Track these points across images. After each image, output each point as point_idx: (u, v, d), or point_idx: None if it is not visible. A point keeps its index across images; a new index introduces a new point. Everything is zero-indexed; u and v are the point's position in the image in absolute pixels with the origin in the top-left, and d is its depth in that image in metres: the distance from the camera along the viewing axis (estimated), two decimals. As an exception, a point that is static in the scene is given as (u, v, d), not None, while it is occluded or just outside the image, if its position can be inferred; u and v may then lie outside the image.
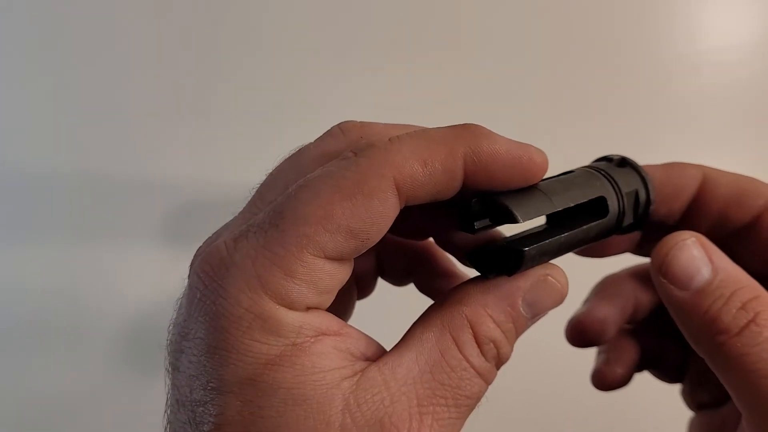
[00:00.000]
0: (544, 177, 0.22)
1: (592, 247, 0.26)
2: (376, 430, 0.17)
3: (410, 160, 0.19)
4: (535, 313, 0.21)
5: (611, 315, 0.28)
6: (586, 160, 0.26)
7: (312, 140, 0.23)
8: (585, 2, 0.58)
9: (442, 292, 0.29)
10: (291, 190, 0.19)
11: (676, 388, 0.31)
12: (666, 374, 0.31)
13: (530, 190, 0.21)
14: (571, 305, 0.28)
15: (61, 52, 0.56)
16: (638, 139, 0.56)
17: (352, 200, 0.18)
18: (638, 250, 0.29)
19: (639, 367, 0.31)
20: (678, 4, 0.58)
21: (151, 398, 0.49)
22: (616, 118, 0.57)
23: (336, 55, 0.57)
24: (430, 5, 0.57)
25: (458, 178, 0.20)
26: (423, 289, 0.30)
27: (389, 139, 0.19)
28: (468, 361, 0.19)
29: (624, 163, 0.25)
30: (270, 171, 0.23)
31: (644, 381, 0.31)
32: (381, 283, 0.30)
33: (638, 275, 0.30)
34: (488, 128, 0.20)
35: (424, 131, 0.20)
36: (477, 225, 0.21)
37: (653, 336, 0.30)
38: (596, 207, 0.23)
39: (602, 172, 0.24)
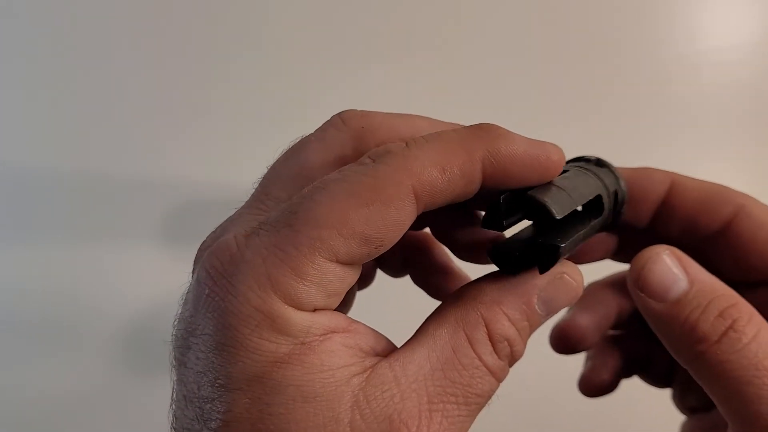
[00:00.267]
0: None
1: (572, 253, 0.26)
2: (385, 427, 0.17)
3: (429, 168, 0.19)
4: (550, 311, 0.21)
5: (592, 322, 0.29)
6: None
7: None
8: (585, 2, 0.58)
9: (437, 287, 0.30)
10: (307, 191, 0.19)
11: (669, 393, 0.31)
12: (655, 379, 0.31)
13: (548, 186, 0.21)
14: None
15: (61, 52, 0.56)
16: (638, 139, 0.56)
17: (369, 207, 0.18)
18: (616, 257, 0.30)
19: (628, 373, 0.31)
20: (678, 4, 0.58)
21: (151, 398, 0.49)
22: (616, 118, 0.57)
23: (335, 54, 0.57)
24: (430, 2, 0.57)
25: (477, 181, 0.20)
26: (418, 282, 0.30)
27: (406, 144, 0.19)
28: (481, 359, 0.19)
29: (601, 163, 0.26)
30: (272, 164, 0.23)
31: (637, 386, 0.31)
32: (379, 275, 0.30)
33: (620, 282, 0.30)
34: (504, 127, 0.20)
35: (441, 134, 0.20)
36: (506, 222, 0.21)
37: (641, 341, 0.30)
38: (592, 205, 0.23)
39: (591, 172, 0.24)
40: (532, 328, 0.21)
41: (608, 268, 0.30)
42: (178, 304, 0.20)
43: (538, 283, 0.21)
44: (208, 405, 0.18)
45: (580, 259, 0.29)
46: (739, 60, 0.57)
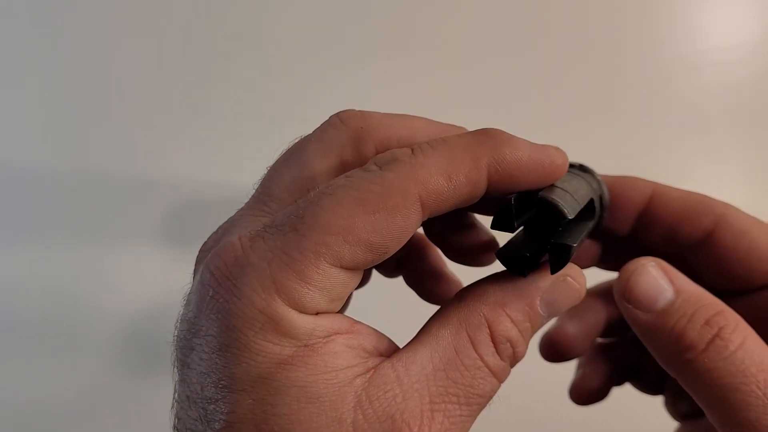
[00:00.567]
0: None
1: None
2: (387, 427, 0.17)
3: (435, 176, 0.19)
4: (552, 312, 0.21)
5: (581, 330, 0.29)
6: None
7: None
8: (585, 2, 0.58)
9: (429, 291, 0.30)
10: (313, 195, 0.19)
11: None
12: (647, 387, 0.31)
13: (554, 188, 0.21)
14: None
15: (61, 52, 0.56)
16: (638, 138, 0.56)
17: (375, 215, 0.18)
18: (601, 264, 0.30)
19: (620, 381, 0.31)
20: (678, 4, 0.58)
21: (151, 398, 0.49)
22: (616, 118, 0.57)
23: (335, 54, 0.57)
24: (430, 2, 0.57)
25: (482, 188, 0.20)
26: (411, 283, 0.30)
27: (412, 151, 0.19)
28: (483, 360, 0.19)
29: (584, 169, 0.26)
30: (272, 164, 0.23)
31: (630, 393, 0.31)
32: (375, 275, 0.30)
33: (608, 291, 0.30)
34: (507, 132, 0.20)
35: (446, 141, 0.20)
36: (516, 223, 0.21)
37: (632, 350, 0.30)
38: (585, 208, 0.24)
39: (579, 176, 0.25)
40: (534, 329, 0.21)
41: (595, 276, 0.30)
42: (180, 305, 0.20)
43: (541, 285, 0.21)
44: (212, 406, 0.18)
45: None
46: (739, 60, 0.57)
